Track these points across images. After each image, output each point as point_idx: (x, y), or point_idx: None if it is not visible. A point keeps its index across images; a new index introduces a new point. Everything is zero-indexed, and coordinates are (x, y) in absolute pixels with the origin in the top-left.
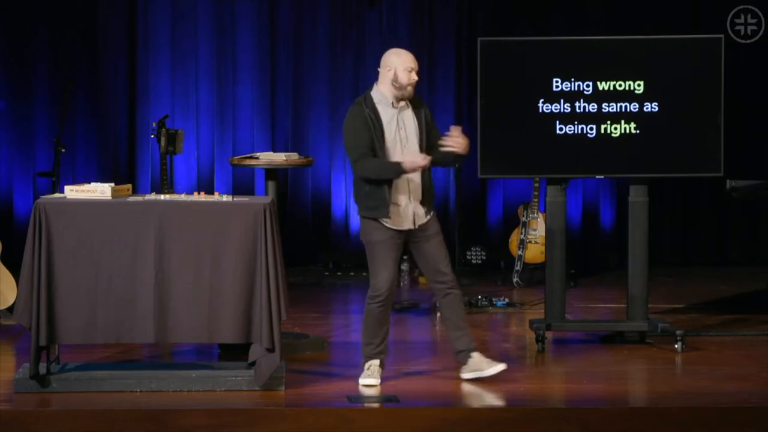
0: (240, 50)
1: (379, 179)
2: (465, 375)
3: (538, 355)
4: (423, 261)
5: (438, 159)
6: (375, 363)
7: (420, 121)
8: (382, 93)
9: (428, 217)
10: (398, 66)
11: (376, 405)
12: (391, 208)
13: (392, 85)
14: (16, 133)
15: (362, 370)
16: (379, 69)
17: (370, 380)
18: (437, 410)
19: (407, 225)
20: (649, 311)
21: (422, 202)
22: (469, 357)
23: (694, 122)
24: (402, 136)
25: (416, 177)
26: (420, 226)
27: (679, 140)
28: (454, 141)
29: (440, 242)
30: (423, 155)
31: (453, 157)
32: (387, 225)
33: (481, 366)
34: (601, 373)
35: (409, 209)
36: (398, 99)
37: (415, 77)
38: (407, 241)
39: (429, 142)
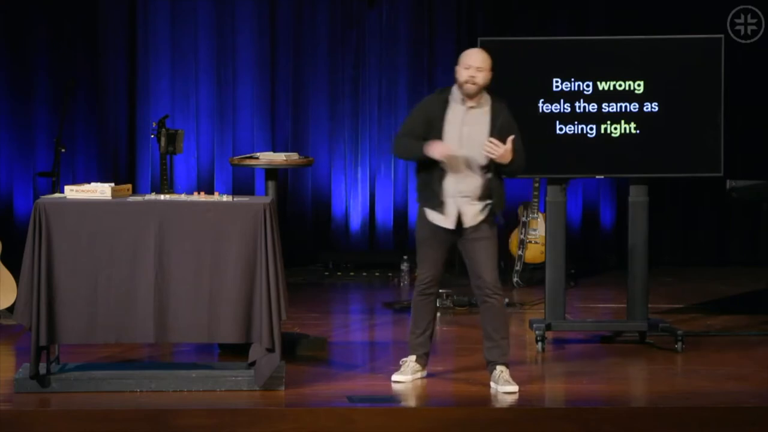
0: (240, 50)
1: (407, 158)
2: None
3: (538, 355)
4: (467, 263)
5: (503, 169)
6: (411, 359)
7: (494, 125)
8: (456, 89)
9: (479, 219)
10: (460, 64)
11: (376, 405)
12: (436, 203)
13: (456, 82)
14: (16, 133)
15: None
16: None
17: (397, 377)
18: (437, 410)
19: (449, 224)
20: (649, 311)
21: (476, 204)
22: (494, 369)
23: (694, 122)
24: (464, 133)
25: (469, 177)
26: (470, 227)
27: (679, 140)
28: (491, 148)
29: (487, 246)
30: (452, 147)
31: (504, 166)
32: (429, 219)
33: (498, 381)
34: (601, 373)
35: (453, 208)
36: (467, 97)
37: (472, 74)
38: (457, 239)
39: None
